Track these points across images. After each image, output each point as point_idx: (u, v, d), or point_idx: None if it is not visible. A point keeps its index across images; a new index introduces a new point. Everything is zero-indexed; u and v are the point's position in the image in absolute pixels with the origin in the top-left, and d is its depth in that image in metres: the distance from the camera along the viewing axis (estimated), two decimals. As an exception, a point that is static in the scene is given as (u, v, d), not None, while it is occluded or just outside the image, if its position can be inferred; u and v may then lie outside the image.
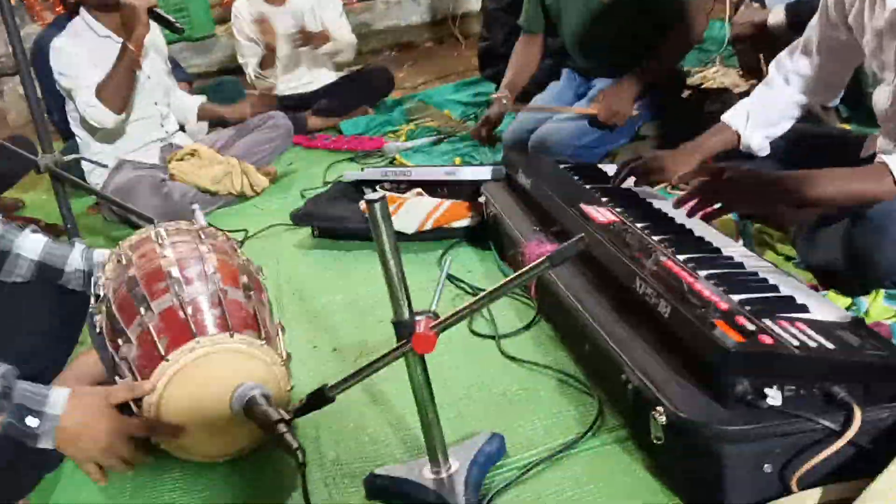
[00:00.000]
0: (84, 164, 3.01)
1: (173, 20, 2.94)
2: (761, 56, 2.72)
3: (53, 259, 1.74)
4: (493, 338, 1.79)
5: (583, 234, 1.17)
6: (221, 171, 2.98)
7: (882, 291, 1.60)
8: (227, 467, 1.48)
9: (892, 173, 1.46)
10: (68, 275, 1.75)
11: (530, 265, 1.16)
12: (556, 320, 1.74)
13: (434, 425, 1.30)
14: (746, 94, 3.10)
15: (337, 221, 2.48)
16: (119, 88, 2.81)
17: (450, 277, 2.08)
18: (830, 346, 1.19)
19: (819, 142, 1.91)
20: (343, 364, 1.82)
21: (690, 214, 1.60)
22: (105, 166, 2.91)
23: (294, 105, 3.77)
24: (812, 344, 1.19)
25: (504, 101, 2.81)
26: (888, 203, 1.47)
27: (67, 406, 1.28)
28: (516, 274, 1.20)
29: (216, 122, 3.37)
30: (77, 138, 3.07)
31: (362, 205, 2.48)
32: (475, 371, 1.69)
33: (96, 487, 1.45)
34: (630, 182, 1.98)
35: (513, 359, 1.70)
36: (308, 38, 3.68)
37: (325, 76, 3.93)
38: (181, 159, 3.03)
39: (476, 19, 5.33)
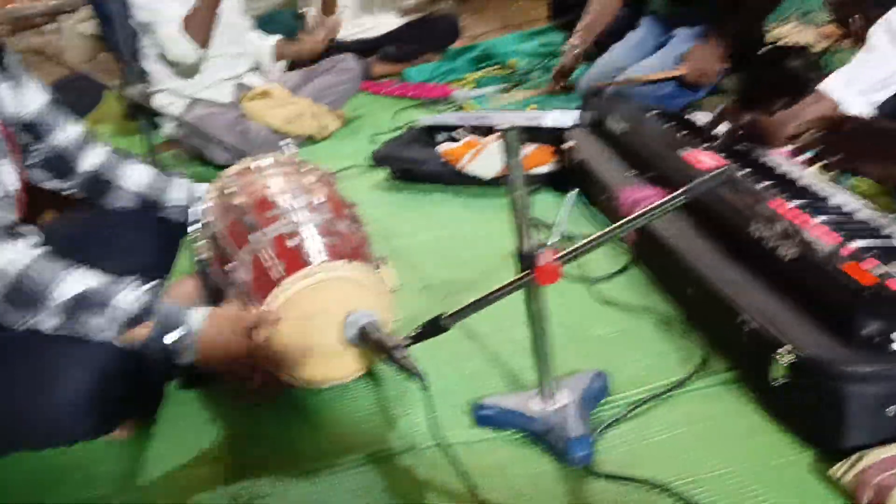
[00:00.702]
0: (157, 102, 3.03)
1: None
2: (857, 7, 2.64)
3: (156, 192, 1.76)
4: (587, 281, 1.79)
5: (727, 167, 1.17)
6: (294, 112, 2.99)
7: None
8: (334, 395, 1.51)
9: None
10: (168, 210, 1.77)
11: (666, 198, 1.16)
12: (655, 264, 1.74)
13: (546, 359, 1.31)
14: (824, 52, 3.06)
15: (416, 164, 2.49)
16: (205, 21, 2.81)
17: (536, 224, 2.08)
18: (961, 294, 1.19)
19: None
20: (431, 301, 1.83)
21: (807, 166, 1.57)
22: (179, 119, 2.91)
23: (357, 50, 3.73)
24: (943, 290, 1.18)
25: (577, 52, 2.79)
26: None
27: (205, 323, 1.31)
28: (648, 209, 1.20)
29: (293, 64, 3.36)
30: (149, 74, 3.08)
31: (441, 148, 2.49)
32: (570, 315, 1.68)
33: (198, 414, 1.51)
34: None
35: (608, 302, 1.71)
36: None
37: (389, 22, 3.90)
38: (253, 99, 3.04)
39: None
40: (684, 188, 1.15)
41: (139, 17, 2.89)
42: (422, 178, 2.49)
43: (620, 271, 1.81)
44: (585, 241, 1.23)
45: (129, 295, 1.29)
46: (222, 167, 2.17)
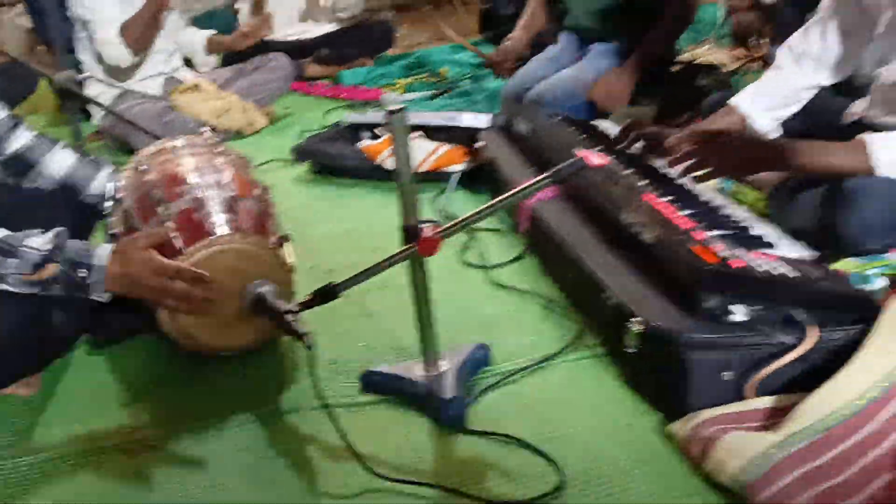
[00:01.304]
0: (88, 91, 3.07)
1: None
2: (755, 30, 2.84)
3: (78, 179, 1.80)
4: (483, 268, 1.91)
5: (581, 157, 1.28)
6: (222, 107, 3.06)
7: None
8: (232, 362, 1.59)
9: (869, 151, 1.59)
10: (89, 196, 1.82)
11: (534, 179, 1.28)
12: (545, 252, 1.86)
13: (429, 326, 1.41)
14: (734, 72, 3.25)
15: (337, 159, 2.58)
16: (144, 31, 2.89)
17: (446, 216, 2.19)
18: (793, 274, 1.33)
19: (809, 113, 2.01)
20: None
21: (684, 175, 1.71)
22: (103, 107, 2.97)
23: (293, 52, 3.82)
24: (776, 272, 1.33)
25: (519, 39, 2.95)
26: (864, 178, 1.59)
27: (111, 257, 1.38)
28: (517, 189, 1.32)
29: (226, 59, 3.43)
30: (82, 65, 3.12)
31: (362, 144, 2.59)
32: (465, 296, 1.81)
33: (104, 374, 1.58)
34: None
35: (501, 286, 1.83)
36: None
37: (326, 25, 4.00)
38: (183, 92, 3.10)
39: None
40: (545, 174, 1.27)
41: (77, 11, 2.94)
42: (342, 173, 2.59)
43: (515, 259, 1.93)
44: (462, 218, 1.34)
45: (38, 239, 1.36)
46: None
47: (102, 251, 1.40)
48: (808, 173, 1.69)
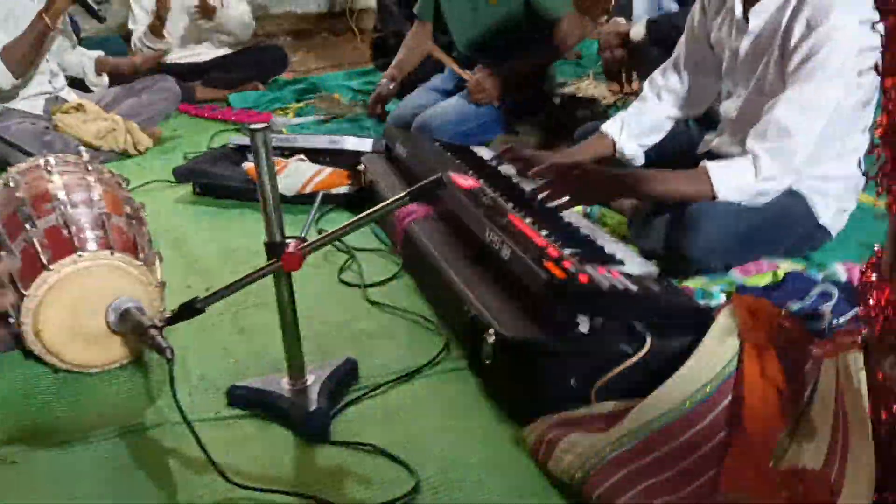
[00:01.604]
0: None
1: (96, 8, 3.00)
2: (623, 67, 3.02)
3: None
4: (358, 286, 1.96)
5: (440, 175, 1.36)
6: (106, 127, 3.02)
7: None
8: (99, 378, 1.59)
9: (710, 178, 1.74)
10: None
11: (393, 198, 1.34)
12: (417, 271, 1.93)
13: (294, 341, 1.45)
14: (613, 104, 3.44)
15: (219, 179, 2.59)
16: (26, 55, 2.85)
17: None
18: (635, 288, 1.44)
19: (669, 141, 2.18)
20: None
21: (543, 204, 1.81)
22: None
23: (183, 73, 3.80)
24: (620, 287, 1.43)
25: (391, 84, 3.02)
26: (705, 203, 1.74)
27: None
28: (380, 206, 1.38)
29: (113, 80, 3.39)
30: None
31: (246, 165, 2.61)
32: (340, 313, 1.85)
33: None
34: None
35: (375, 304, 1.88)
36: (207, 10, 3.73)
37: (218, 49, 3.99)
38: (66, 112, 3.05)
39: (373, 14, 5.51)
40: (404, 193, 1.34)
41: None
42: (225, 194, 2.59)
43: (391, 278, 1.99)
44: (323, 235, 1.40)
45: None
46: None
47: None
48: (657, 200, 1.83)
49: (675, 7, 2.80)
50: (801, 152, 1.71)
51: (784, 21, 1.74)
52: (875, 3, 0.97)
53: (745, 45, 1.84)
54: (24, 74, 2.90)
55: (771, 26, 1.78)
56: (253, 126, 1.34)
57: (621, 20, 2.95)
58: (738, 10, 1.84)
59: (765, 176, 1.71)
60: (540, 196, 1.83)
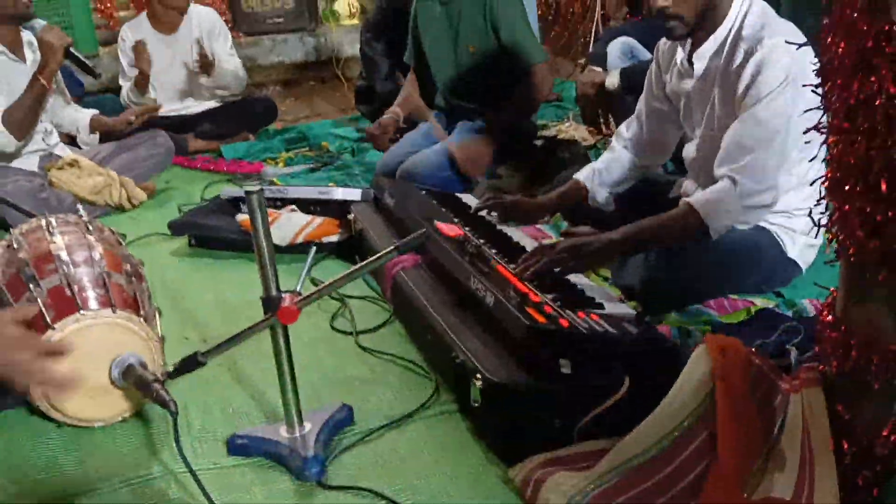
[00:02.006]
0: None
1: (90, 64, 3.10)
2: (600, 112, 3.14)
3: None
4: (351, 333, 2.03)
5: (425, 229, 1.44)
6: (101, 183, 3.10)
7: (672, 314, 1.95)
8: (103, 432, 1.64)
9: (696, 210, 1.83)
10: None
11: (382, 252, 1.42)
12: (406, 318, 2.00)
13: (291, 390, 1.52)
14: (593, 146, 3.54)
15: (213, 231, 2.66)
16: (26, 117, 2.94)
17: (315, 283, 2.31)
18: (613, 331, 1.51)
19: (640, 186, 2.27)
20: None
21: (531, 280, 1.76)
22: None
23: (176, 126, 3.90)
24: (599, 329, 1.51)
25: (397, 114, 3.14)
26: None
27: None
28: (369, 260, 1.46)
29: (105, 136, 3.48)
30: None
31: (240, 217, 2.69)
32: (333, 360, 1.92)
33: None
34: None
35: (366, 350, 1.95)
36: (208, 66, 3.85)
37: (209, 102, 4.10)
38: (61, 168, 3.13)
39: (358, 63, 5.65)
40: (391, 247, 1.42)
41: None
42: (220, 246, 2.67)
43: (381, 325, 2.06)
44: (317, 288, 1.48)
45: None
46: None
47: None
48: (651, 249, 1.89)
49: (647, 55, 2.92)
50: (769, 164, 1.80)
51: (723, 58, 1.88)
52: (817, 71, 1.07)
53: (692, 87, 1.97)
54: (25, 136, 2.99)
55: (713, 65, 1.91)
56: (248, 187, 1.42)
57: (597, 69, 3.08)
58: (681, 57, 1.99)
59: (743, 192, 1.80)
60: (528, 272, 1.76)
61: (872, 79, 0.98)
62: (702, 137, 2.02)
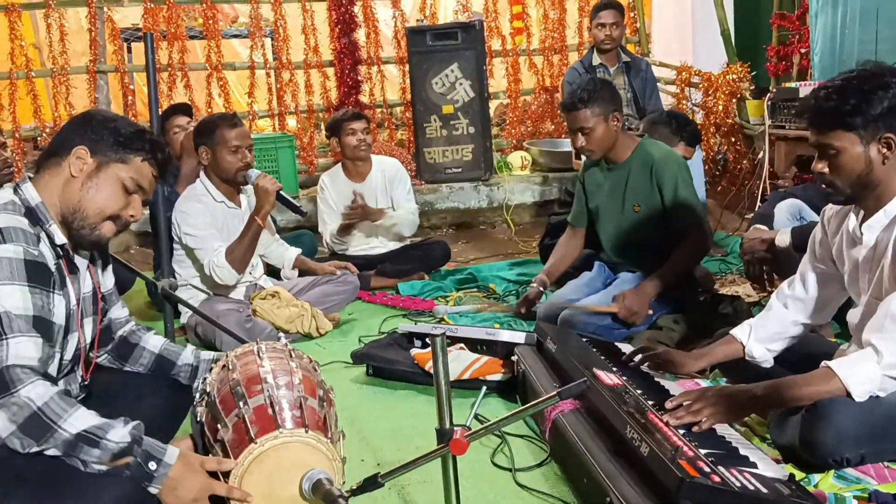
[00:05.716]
0: (180, 293, 3.54)
1: (297, 204, 3.61)
2: (765, 270, 3.19)
3: (170, 354, 2.23)
4: (510, 470, 2.17)
5: (586, 378, 1.59)
6: (296, 313, 3.49)
7: (832, 472, 1.95)
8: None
9: (836, 374, 1.88)
10: (179, 367, 2.22)
11: (543, 397, 1.59)
12: (564, 459, 2.12)
13: (456, 517, 1.68)
14: (757, 303, 3.56)
15: (390, 363, 2.92)
16: (245, 254, 3.43)
17: (480, 419, 2.48)
18: (764, 490, 1.57)
19: (805, 350, 2.31)
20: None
21: (678, 427, 1.89)
22: (209, 294, 3.44)
23: (361, 264, 4.31)
24: (751, 487, 1.57)
25: (541, 287, 3.34)
26: (835, 398, 1.87)
27: (177, 461, 1.70)
28: (533, 403, 1.63)
29: (302, 272, 3.94)
30: (178, 274, 3.61)
31: (413, 352, 2.94)
32: (492, 495, 2.06)
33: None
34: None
35: (524, 487, 2.07)
36: (365, 213, 4.29)
37: (391, 243, 4.51)
38: (264, 298, 3.55)
39: (527, 211, 5.99)
40: (552, 393, 1.58)
41: (186, 241, 3.48)
42: (394, 377, 2.92)
43: (539, 465, 2.19)
44: (485, 425, 1.65)
45: (118, 431, 1.68)
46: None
47: (173, 451, 1.73)
48: (791, 406, 1.95)
49: (815, 217, 2.99)
50: None
51: (895, 233, 1.93)
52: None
53: (861, 255, 2.02)
54: (244, 270, 3.46)
55: (885, 237, 1.98)
56: (435, 332, 1.64)
57: (763, 227, 3.17)
58: (853, 225, 2.06)
59: (887, 363, 1.83)
60: (674, 423, 1.89)
61: None
62: (867, 304, 2.06)
